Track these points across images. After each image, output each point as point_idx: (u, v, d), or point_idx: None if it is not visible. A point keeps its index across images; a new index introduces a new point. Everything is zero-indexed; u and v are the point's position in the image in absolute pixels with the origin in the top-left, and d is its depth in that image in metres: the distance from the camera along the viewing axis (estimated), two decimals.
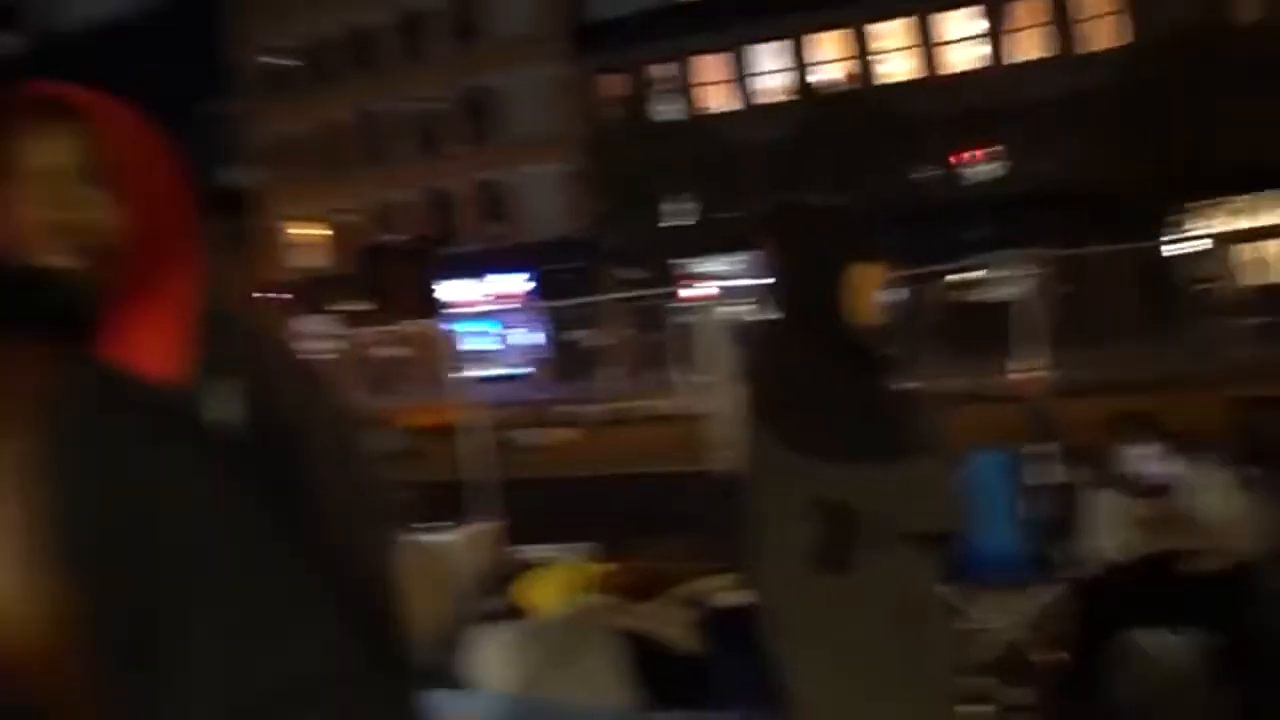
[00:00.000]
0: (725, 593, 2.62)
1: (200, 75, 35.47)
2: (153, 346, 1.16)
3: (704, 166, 23.56)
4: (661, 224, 24.78)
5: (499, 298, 30.77)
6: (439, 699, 2.48)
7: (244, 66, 35.53)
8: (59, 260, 1.13)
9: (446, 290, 26.92)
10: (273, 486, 0.69)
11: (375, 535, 1.54)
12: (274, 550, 0.60)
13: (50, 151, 1.13)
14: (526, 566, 3.21)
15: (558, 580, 2.90)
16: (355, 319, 25.28)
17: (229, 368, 1.23)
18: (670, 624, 2.46)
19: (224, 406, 1.19)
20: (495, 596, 2.92)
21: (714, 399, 6.24)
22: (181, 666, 0.54)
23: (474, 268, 29.15)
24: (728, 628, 2.44)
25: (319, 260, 34.90)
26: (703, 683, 2.27)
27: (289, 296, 31.59)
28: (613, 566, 2.92)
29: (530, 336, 31.11)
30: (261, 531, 0.60)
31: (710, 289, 17.40)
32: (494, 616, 2.81)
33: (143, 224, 1.18)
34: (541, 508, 6.50)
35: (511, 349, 32.15)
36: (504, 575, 3.04)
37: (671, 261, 23.41)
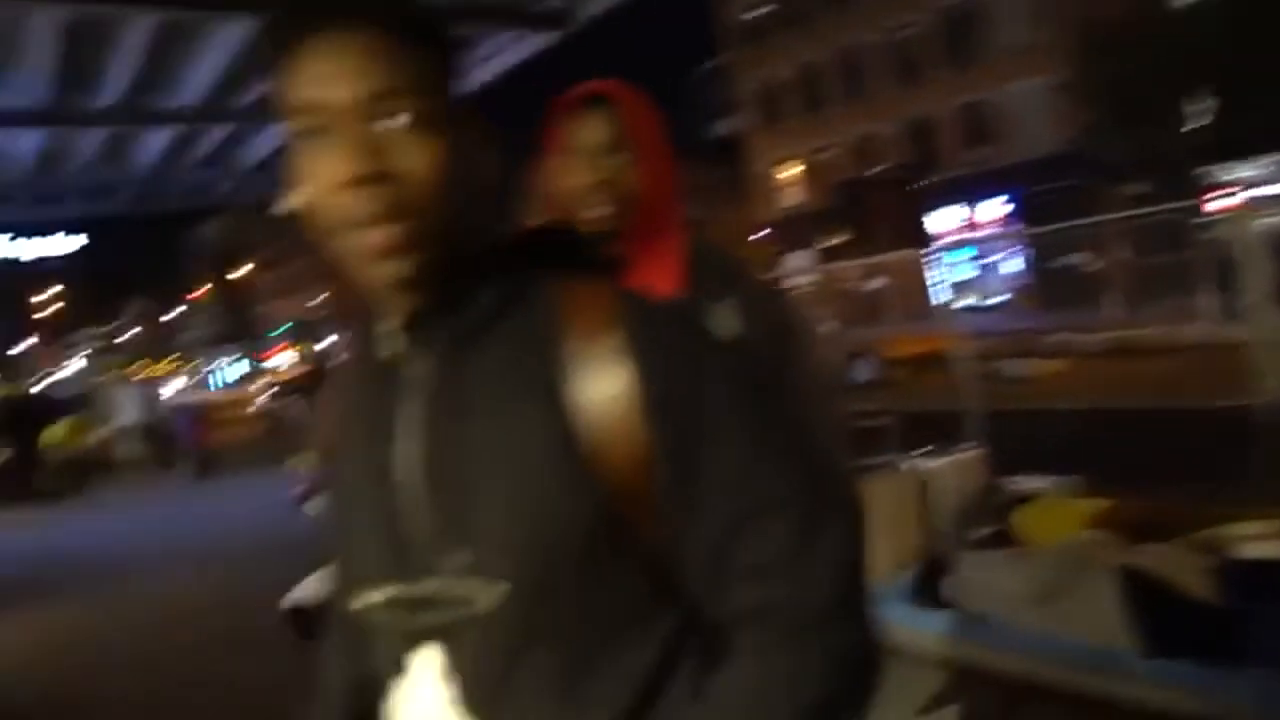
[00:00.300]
0: (1258, 542, 2.33)
1: (692, 39, 38.43)
2: (658, 276, 1.46)
3: (1229, 58, 19.96)
4: (1175, 129, 21.53)
5: (980, 224, 29.30)
6: (920, 617, 2.54)
7: (728, 24, 37.41)
8: (595, 214, 1.50)
9: (928, 220, 26.24)
10: (762, 379, 0.93)
11: (838, 427, 1.74)
12: (762, 416, 0.84)
13: (590, 132, 1.51)
14: (1017, 497, 3.11)
15: (1055, 512, 2.77)
16: (837, 253, 25.75)
17: (716, 292, 1.48)
18: (1183, 569, 2.25)
19: (718, 321, 1.44)
20: (983, 524, 2.87)
21: (1255, 323, 5.42)
22: (705, 490, 0.80)
23: (956, 194, 28.00)
24: (1257, 579, 2.17)
25: (803, 198, 35.98)
26: (1218, 635, 2.05)
27: (777, 235, 33.09)
28: (1117, 503, 2.72)
29: (1011, 263, 29.26)
30: (756, 403, 0.84)
31: (1240, 198, 14.96)
32: (983, 544, 2.77)
33: (650, 181, 1.52)
34: (1027, 439, 6.21)
35: (992, 276, 30.53)
36: (993, 504, 2.98)
37: (1192, 172, 20.30)
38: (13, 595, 7.71)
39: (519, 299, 0.85)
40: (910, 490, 3.04)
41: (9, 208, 18.96)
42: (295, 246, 78.77)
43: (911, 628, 2.47)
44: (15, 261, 30.40)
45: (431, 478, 0.84)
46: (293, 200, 0.84)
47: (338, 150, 0.78)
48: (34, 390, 17.72)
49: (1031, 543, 2.65)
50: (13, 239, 27.66)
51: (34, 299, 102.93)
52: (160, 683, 5.15)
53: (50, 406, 16.73)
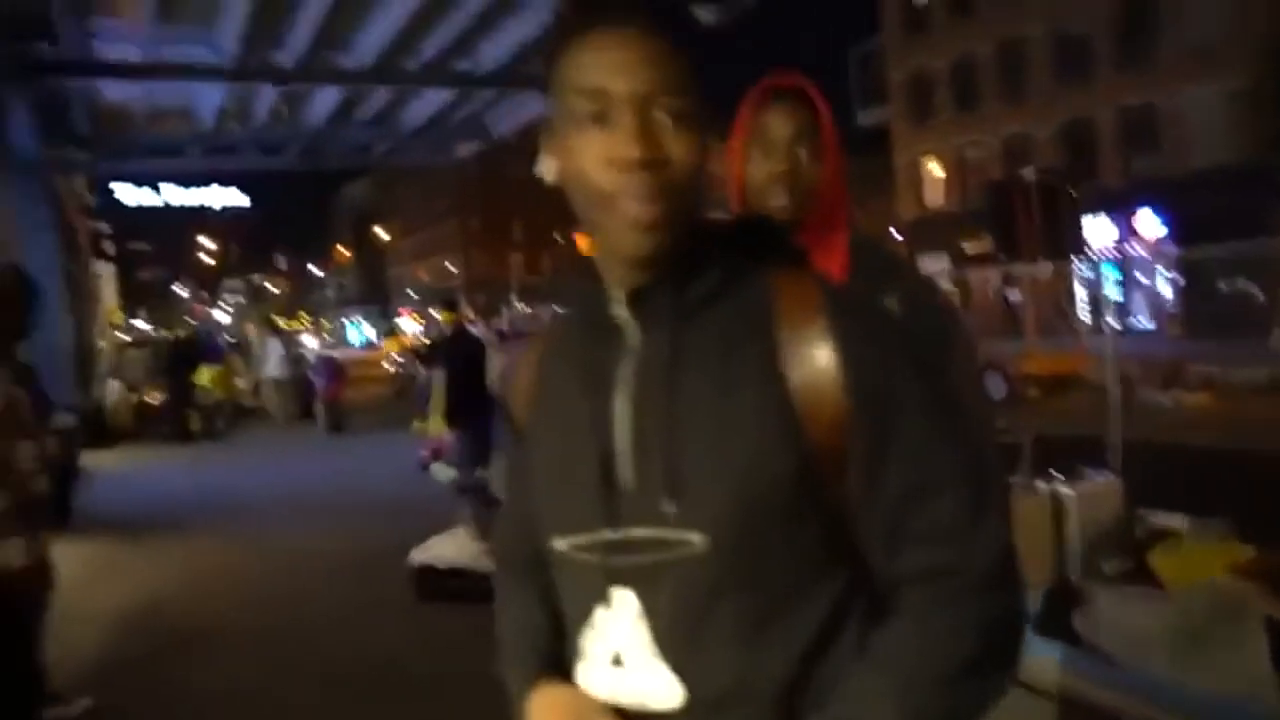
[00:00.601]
0: None
1: (851, 22, 37.55)
2: (827, 264, 1.50)
3: None
4: None
5: (1133, 239, 27.83)
6: (1043, 645, 2.47)
7: (890, 6, 36.39)
8: (776, 204, 1.58)
9: (1081, 231, 25.12)
10: (937, 366, 1.02)
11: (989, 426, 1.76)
12: (940, 398, 0.95)
13: (779, 125, 1.59)
14: (1155, 533, 2.99)
15: (1196, 554, 2.65)
16: (978, 258, 24.88)
17: (880, 284, 1.52)
18: None
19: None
20: (1119, 558, 2.77)
21: None
22: (889, 459, 0.92)
23: (1109, 205, 26.59)
24: None
25: (947, 197, 34.93)
26: None
27: (908, 236, 32.21)
28: (1263, 552, 2.59)
29: (1163, 283, 27.73)
30: (935, 387, 0.96)
31: None
32: (1118, 578, 2.68)
33: (830, 176, 1.59)
34: (1167, 473, 5.91)
35: (1141, 296, 28.99)
36: (1130, 538, 2.87)
37: None
38: (158, 529, 8.29)
39: (735, 282, 0.97)
40: (1043, 513, 2.95)
41: (185, 159, 20.17)
42: (434, 213, 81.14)
43: (1032, 655, 2.41)
44: (181, 210, 32.32)
45: (647, 432, 0.94)
46: (550, 169, 0.97)
47: (621, 134, 0.90)
48: (186, 335, 18.72)
49: (1170, 583, 2.54)
50: (183, 192, 29.52)
51: (193, 248, 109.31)
52: (285, 624, 5.45)
53: (203, 352, 17.73)
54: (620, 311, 0.97)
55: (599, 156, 0.91)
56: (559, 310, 1.11)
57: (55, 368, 11.86)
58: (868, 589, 0.95)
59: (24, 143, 12.64)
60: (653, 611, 0.94)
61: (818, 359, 0.92)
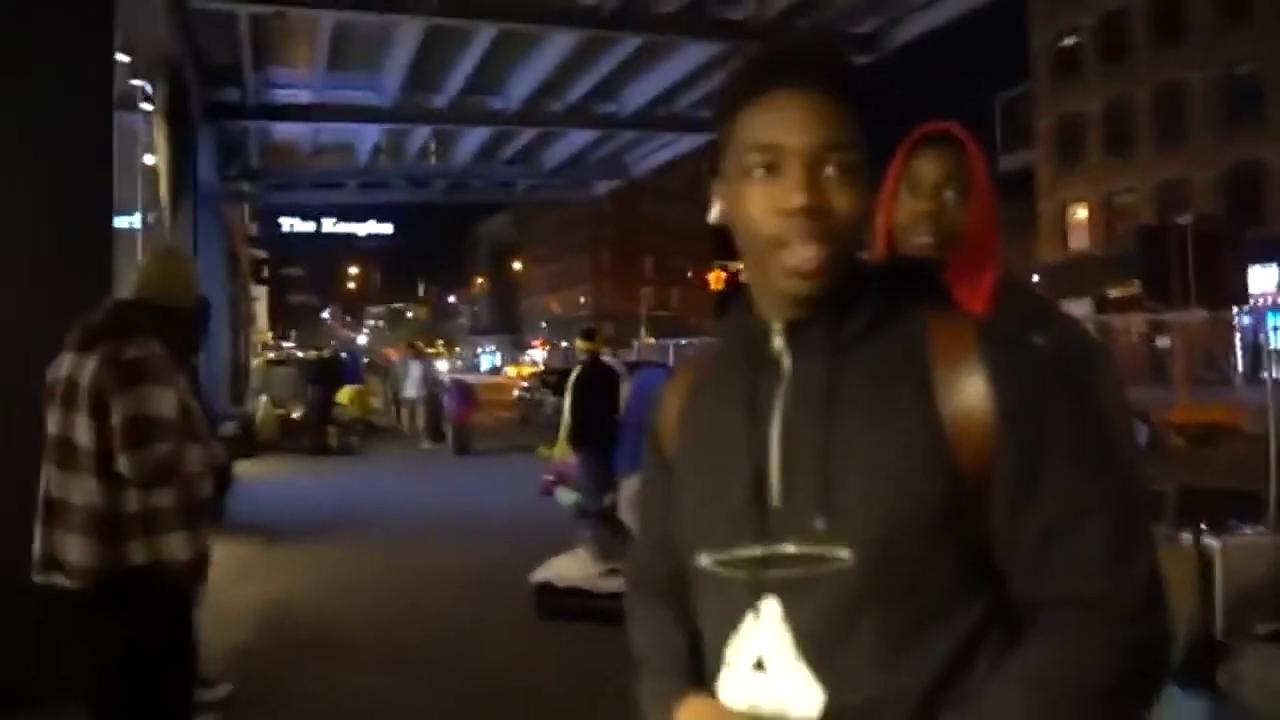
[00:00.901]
0: None
1: (1004, 64, 36.71)
2: (972, 303, 1.52)
3: None
4: None
5: None
6: (1185, 699, 2.35)
7: (1040, 50, 35.52)
8: (920, 243, 1.63)
9: (1244, 278, 23.69)
10: (1073, 392, 1.00)
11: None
12: (1092, 434, 0.98)
13: (930, 168, 1.65)
14: None
15: None
16: (1121, 303, 23.79)
17: (1029, 326, 1.46)
18: None
19: None
20: (1270, 615, 2.62)
21: None
22: (1040, 489, 0.94)
23: (1275, 252, 25.00)
24: None
25: (1091, 242, 33.59)
26: None
27: (1047, 280, 31.07)
28: None
29: None
30: (1087, 423, 0.98)
31: None
32: (1269, 637, 2.53)
33: (977, 219, 1.64)
34: None
35: None
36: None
37: None
38: (296, 536, 8.70)
39: (888, 320, 1.03)
40: (1186, 566, 2.81)
41: (339, 192, 21.36)
42: (568, 247, 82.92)
43: (1174, 706, 2.29)
44: (331, 237, 34.12)
45: (799, 454, 1.00)
46: (716, 212, 1.06)
47: (789, 184, 0.97)
48: (330, 355, 19.67)
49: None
50: (335, 223, 31.23)
51: (341, 276, 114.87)
52: (408, 636, 5.63)
53: (345, 372, 18.58)
54: (778, 342, 1.04)
55: (766, 205, 0.98)
56: (715, 341, 1.17)
57: (215, 382, 12.73)
58: (1005, 619, 0.97)
59: (207, 176, 13.69)
60: (798, 619, 0.98)
61: (970, 389, 0.96)
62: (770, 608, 0.99)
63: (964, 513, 0.96)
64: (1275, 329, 26.06)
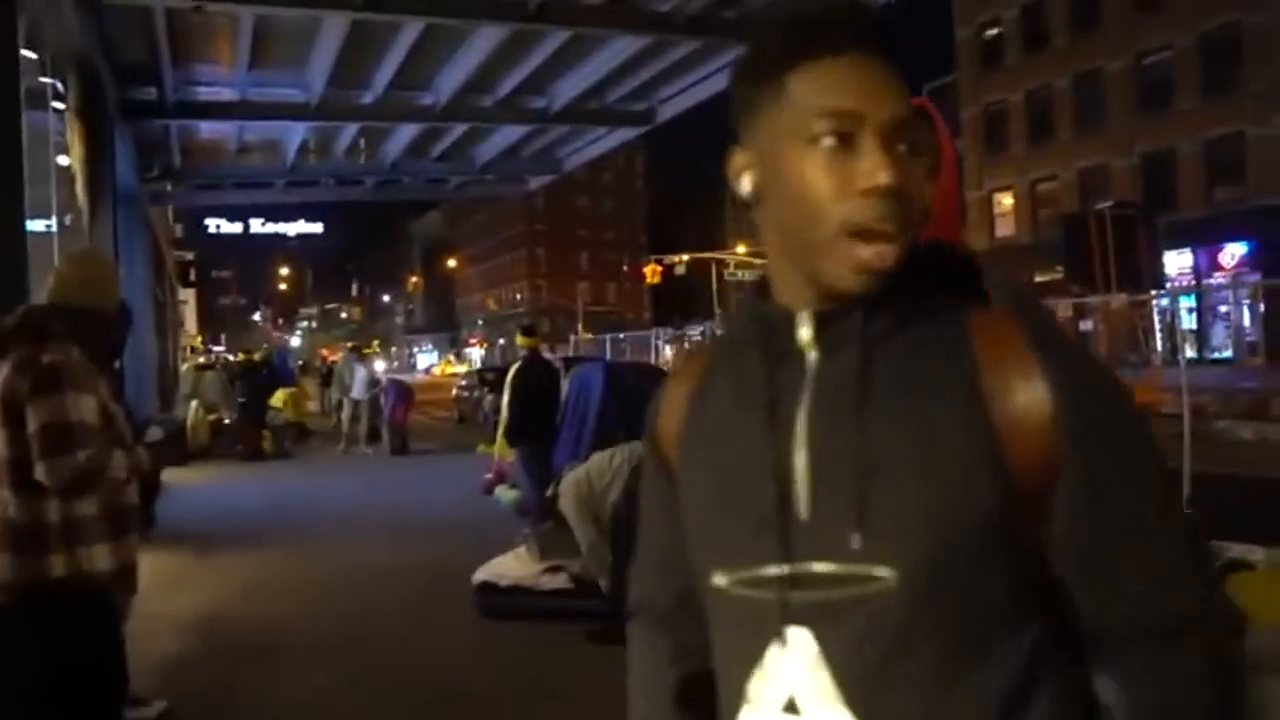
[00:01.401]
0: None
1: (930, 56, 37.38)
2: None
3: None
4: None
5: (1212, 270, 27.06)
6: None
7: (964, 41, 36.27)
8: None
9: (1161, 262, 24.59)
10: (1130, 405, 0.91)
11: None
12: (1146, 437, 0.89)
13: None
14: (1231, 564, 2.93)
15: (1272, 584, 2.60)
16: (1052, 289, 24.46)
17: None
18: None
19: None
20: None
21: None
22: (1104, 501, 0.85)
23: (1187, 237, 25.97)
24: None
25: (1017, 229, 34.46)
26: None
27: (989, 264, 31.79)
28: None
29: (1242, 315, 26.86)
30: (1140, 427, 0.89)
31: None
32: None
33: (940, 202, 1.52)
34: (1243, 506, 5.72)
35: (1218, 328, 28.10)
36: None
37: None
38: (231, 542, 8.53)
39: (922, 311, 0.91)
40: None
41: (267, 191, 20.94)
42: (502, 243, 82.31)
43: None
44: (260, 238, 33.48)
45: (828, 461, 0.88)
46: (748, 184, 0.93)
47: (872, 159, 0.84)
48: (262, 358, 19.29)
49: (1249, 615, 2.49)
50: (264, 223, 30.64)
51: (271, 277, 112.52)
52: (349, 637, 5.56)
53: (277, 374, 18.23)
54: (804, 334, 0.91)
55: (839, 182, 0.85)
56: (722, 332, 1.05)
57: (141, 388, 12.39)
58: (1065, 645, 0.88)
59: (126, 177, 13.29)
60: (835, 653, 0.86)
61: (1029, 397, 0.85)
62: (800, 637, 0.87)
63: (1018, 528, 0.85)
64: (1190, 310, 27.19)
